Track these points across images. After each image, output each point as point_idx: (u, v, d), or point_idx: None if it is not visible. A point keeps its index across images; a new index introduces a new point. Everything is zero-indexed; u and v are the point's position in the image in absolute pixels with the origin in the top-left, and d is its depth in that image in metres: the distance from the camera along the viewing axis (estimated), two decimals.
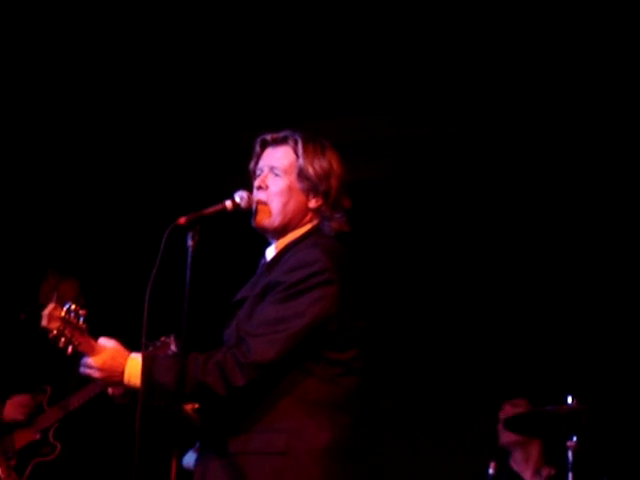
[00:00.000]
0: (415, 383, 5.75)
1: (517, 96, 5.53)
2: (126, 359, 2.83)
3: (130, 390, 2.88)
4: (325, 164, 3.01)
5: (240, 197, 2.95)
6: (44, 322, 2.77)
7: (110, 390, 3.05)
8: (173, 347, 3.58)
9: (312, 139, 3.05)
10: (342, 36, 5.10)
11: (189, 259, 2.77)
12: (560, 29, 4.97)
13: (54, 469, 4.90)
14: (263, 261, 3.07)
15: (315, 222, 3.02)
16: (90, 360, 2.82)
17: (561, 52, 5.15)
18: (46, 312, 2.78)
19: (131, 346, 2.91)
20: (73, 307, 2.80)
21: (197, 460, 2.95)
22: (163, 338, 3.46)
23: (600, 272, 5.53)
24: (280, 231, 3.01)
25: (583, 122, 5.54)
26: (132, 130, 5.94)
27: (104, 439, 5.14)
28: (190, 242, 2.79)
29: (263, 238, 3.07)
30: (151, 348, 3.24)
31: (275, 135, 3.07)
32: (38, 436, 4.91)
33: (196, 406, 3.05)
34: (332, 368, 2.83)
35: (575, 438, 4.23)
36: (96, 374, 2.83)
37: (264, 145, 3.08)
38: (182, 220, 2.79)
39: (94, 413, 4.69)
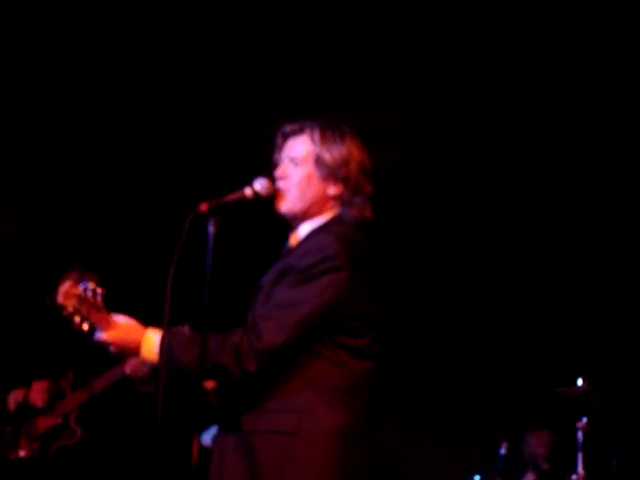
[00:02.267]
0: (428, 365, 5.75)
1: (530, 82, 5.51)
2: (141, 335, 2.86)
3: (152, 376, 2.93)
4: (344, 150, 3.01)
5: (260, 185, 2.96)
6: (60, 299, 2.80)
7: (128, 370, 3.10)
8: None
9: (330, 126, 3.06)
10: (356, 26, 5.11)
11: (210, 246, 2.78)
12: (569, 12, 4.99)
13: (75, 453, 4.97)
14: (286, 247, 3.09)
15: (336, 210, 3.03)
16: (103, 335, 2.85)
17: (570, 37, 5.14)
18: (62, 289, 2.81)
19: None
20: (91, 285, 2.81)
21: (214, 438, 2.99)
22: (176, 327, 3.51)
23: (613, 254, 5.52)
24: (301, 217, 3.03)
25: (597, 105, 5.53)
26: (153, 120, 5.96)
27: (125, 424, 5.19)
28: (211, 229, 2.81)
29: (284, 225, 3.09)
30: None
31: (293, 126, 3.09)
32: (60, 420, 4.99)
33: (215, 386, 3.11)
34: (345, 352, 2.85)
35: (585, 419, 4.27)
36: (110, 348, 2.88)
37: (285, 137, 3.10)
38: (203, 207, 2.81)
39: (116, 398, 4.75)
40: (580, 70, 5.41)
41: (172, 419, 2.88)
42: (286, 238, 3.11)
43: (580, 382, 4.28)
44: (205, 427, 3.48)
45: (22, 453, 4.93)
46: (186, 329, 3.29)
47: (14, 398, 5.08)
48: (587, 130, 5.58)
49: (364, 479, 2.86)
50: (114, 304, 2.91)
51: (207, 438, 3.25)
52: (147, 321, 2.98)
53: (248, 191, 2.96)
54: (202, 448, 2.85)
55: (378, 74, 5.51)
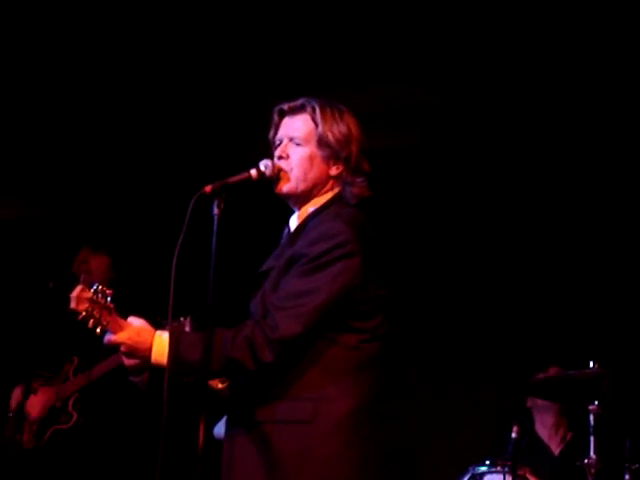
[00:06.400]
0: (439, 348, 5.76)
1: (539, 63, 5.49)
2: (152, 336, 2.83)
3: (144, 367, 2.89)
4: (344, 129, 3.00)
5: (265, 165, 2.95)
6: (73, 304, 2.79)
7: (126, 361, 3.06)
8: (187, 329, 3.61)
9: (329, 105, 3.04)
10: (366, 4, 5.08)
11: (215, 228, 2.76)
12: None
13: (71, 437, 4.97)
14: (287, 231, 3.07)
15: (336, 190, 3.02)
16: (114, 336, 2.83)
17: (580, 20, 5.12)
18: (74, 294, 2.80)
19: (159, 315, 2.94)
20: (100, 287, 2.81)
21: (225, 430, 2.96)
22: (182, 318, 3.49)
23: (627, 235, 5.51)
24: (303, 198, 3.02)
25: (610, 87, 5.51)
26: (158, 101, 5.96)
27: (124, 411, 5.18)
28: (216, 210, 2.78)
29: (287, 207, 3.07)
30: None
31: (292, 104, 3.06)
32: (59, 404, 4.99)
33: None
34: (356, 336, 2.85)
35: (597, 403, 4.25)
36: (120, 348, 2.86)
37: (282, 114, 3.08)
38: (208, 188, 2.79)
39: (115, 384, 4.72)
40: (594, 50, 5.36)
41: (178, 411, 2.85)
42: (285, 221, 3.09)
43: (592, 365, 4.23)
44: (215, 419, 3.45)
45: (25, 436, 4.94)
46: (187, 322, 3.28)
47: (15, 399, 5.07)
48: (603, 110, 5.54)
49: (382, 455, 2.87)
50: (121, 288, 2.88)
51: (219, 430, 3.21)
52: (153, 303, 2.95)
53: (253, 172, 2.94)
54: (213, 440, 2.80)
55: (389, 52, 5.49)
